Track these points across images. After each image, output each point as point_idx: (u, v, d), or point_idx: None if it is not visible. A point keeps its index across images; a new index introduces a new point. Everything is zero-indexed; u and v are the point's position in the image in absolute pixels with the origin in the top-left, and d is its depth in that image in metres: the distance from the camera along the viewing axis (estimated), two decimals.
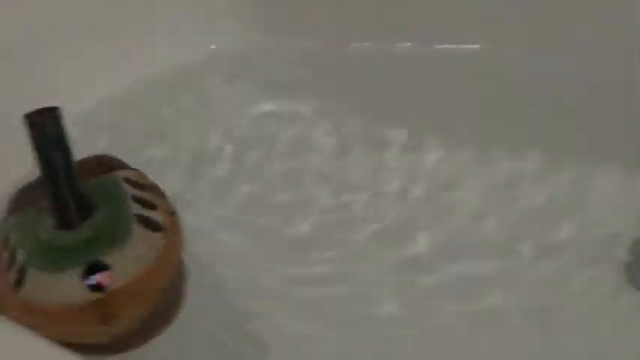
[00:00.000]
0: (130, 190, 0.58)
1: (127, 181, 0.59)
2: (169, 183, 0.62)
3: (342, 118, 0.73)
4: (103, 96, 0.70)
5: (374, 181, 0.71)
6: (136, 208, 0.57)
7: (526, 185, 0.70)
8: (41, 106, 0.53)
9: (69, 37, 0.69)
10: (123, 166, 0.62)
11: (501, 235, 0.68)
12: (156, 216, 0.57)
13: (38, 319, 0.52)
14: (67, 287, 0.52)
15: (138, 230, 0.55)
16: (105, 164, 0.62)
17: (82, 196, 0.55)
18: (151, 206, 0.58)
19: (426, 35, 0.72)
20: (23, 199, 0.60)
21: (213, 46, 0.74)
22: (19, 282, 0.53)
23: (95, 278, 0.53)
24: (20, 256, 0.54)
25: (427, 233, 0.68)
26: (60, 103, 0.54)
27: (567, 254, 0.66)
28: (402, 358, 0.62)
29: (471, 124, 0.71)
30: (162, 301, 0.54)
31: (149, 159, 0.71)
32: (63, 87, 0.67)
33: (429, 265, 0.67)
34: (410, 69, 0.72)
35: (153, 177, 0.61)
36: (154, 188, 0.60)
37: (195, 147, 0.72)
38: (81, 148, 0.55)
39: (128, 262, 0.54)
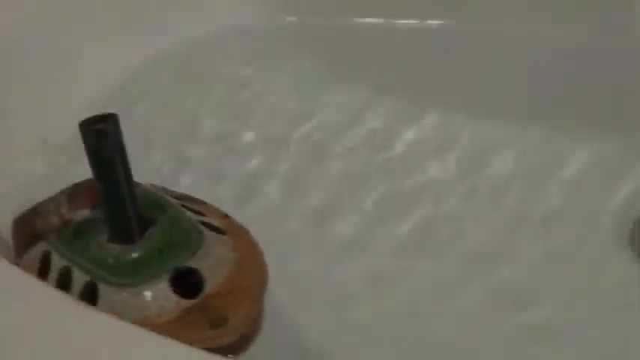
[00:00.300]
0: (174, 200, 0.56)
1: (162, 191, 0.57)
2: None
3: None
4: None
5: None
6: (191, 215, 0.54)
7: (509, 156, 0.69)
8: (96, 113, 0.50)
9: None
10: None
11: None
12: (212, 220, 0.55)
13: None
14: (159, 298, 0.50)
15: (208, 234, 0.53)
16: None
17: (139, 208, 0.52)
18: (200, 213, 0.56)
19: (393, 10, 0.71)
20: (30, 224, 0.56)
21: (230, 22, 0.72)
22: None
23: (186, 284, 0.50)
24: (80, 277, 0.51)
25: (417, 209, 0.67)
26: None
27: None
28: None
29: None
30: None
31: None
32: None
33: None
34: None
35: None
36: (186, 196, 0.58)
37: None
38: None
39: (213, 265, 0.51)
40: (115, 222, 0.52)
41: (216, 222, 0.55)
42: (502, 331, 0.61)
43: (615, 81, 0.66)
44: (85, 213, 0.55)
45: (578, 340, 0.59)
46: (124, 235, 0.52)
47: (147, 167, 0.62)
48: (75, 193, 0.57)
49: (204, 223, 0.54)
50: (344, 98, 0.71)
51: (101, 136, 0.50)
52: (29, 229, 0.56)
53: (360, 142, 0.71)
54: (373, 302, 0.63)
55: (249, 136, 0.70)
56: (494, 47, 0.69)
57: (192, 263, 0.51)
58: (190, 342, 0.46)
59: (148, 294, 0.50)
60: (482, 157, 0.69)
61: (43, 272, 0.53)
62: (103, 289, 0.50)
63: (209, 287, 0.50)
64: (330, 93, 0.71)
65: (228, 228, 0.55)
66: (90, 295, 0.50)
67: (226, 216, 0.56)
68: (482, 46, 0.69)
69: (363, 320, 0.61)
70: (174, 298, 0.50)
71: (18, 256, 0.55)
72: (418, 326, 0.61)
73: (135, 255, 0.51)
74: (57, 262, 0.52)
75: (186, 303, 0.50)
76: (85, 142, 0.50)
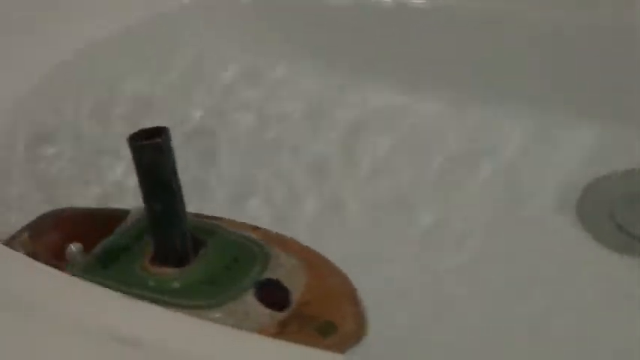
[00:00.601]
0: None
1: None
2: None
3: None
4: None
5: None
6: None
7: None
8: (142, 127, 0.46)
9: None
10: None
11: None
12: (249, 234, 0.51)
13: None
14: (251, 313, 0.46)
15: (268, 245, 0.50)
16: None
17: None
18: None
19: None
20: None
21: None
22: None
23: (271, 297, 0.46)
24: None
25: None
26: None
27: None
28: None
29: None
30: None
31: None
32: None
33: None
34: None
35: None
36: (201, 215, 0.54)
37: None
38: None
39: (288, 274, 0.48)
40: (170, 244, 0.47)
41: (253, 235, 0.51)
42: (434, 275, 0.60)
43: (556, 52, 0.68)
44: (77, 246, 0.51)
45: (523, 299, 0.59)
46: (177, 256, 0.48)
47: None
48: (38, 230, 0.52)
49: (244, 238, 0.51)
50: (307, 76, 0.69)
51: (157, 150, 0.46)
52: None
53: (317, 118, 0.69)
54: None
55: (197, 113, 0.68)
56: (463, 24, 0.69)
57: (270, 275, 0.47)
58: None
59: (240, 309, 0.46)
60: (426, 137, 0.69)
61: None
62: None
63: (295, 296, 0.47)
64: (295, 70, 0.70)
65: (267, 238, 0.51)
66: None
67: (257, 227, 0.53)
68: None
69: None
70: (265, 311, 0.46)
71: None
72: None
73: (201, 275, 0.47)
74: None
75: (280, 315, 0.46)
76: (137, 158, 0.46)
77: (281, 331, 0.46)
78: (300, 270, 0.48)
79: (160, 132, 0.46)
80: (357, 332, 0.47)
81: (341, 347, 0.45)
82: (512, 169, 0.67)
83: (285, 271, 0.48)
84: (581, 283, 0.58)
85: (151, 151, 0.45)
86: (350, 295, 0.48)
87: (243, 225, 0.53)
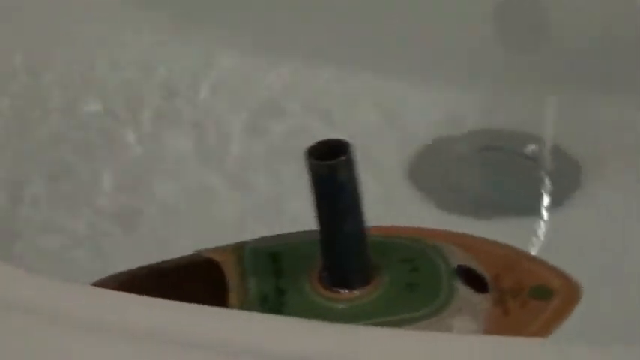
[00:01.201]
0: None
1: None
2: None
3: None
4: None
5: None
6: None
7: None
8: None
9: None
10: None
11: None
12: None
13: None
14: (471, 301, 0.45)
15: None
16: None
17: None
18: None
19: None
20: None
21: None
22: None
23: (474, 281, 0.46)
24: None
25: None
26: None
27: None
28: None
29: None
30: None
31: None
32: None
33: None
34: None
35: None
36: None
37: None
38: None
39: (464, 257, 0.47)
40: (358, 264, 0.45)
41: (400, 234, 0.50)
42: None
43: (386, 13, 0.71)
44: None
45: None
46: (357, 278, 0.45)
47: None
48: None
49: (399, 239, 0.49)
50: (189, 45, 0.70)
51: (350, 168, 0.43)
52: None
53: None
54: None
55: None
56: None
57: (454, 262, 0.47)
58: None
59: (463, 302, 0.45)
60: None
61: None
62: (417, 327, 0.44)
63: (489, 277, 0.47)
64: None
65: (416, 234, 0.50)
66: None
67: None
68: None
69: None
70: (479, 295, 0.46)
71: None
72: None
73: (392, 289, 0.45)
74: None
75: (490, 296, 0.46)
76: (321, 176, 0.43)
77: (506, 310, 0.46)
78: (465, 252, 0.49)
79: (341, 146, 0.44)
80: (569, 284, 0.47)
81: (570, 303, 0.46)
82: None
83: (458, 256, 0.48)
84: None
85: (344, 168, 0.43)
86: (528, 256, 0.49)
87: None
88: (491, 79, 0.67)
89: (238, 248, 0.48)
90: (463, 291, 0.46)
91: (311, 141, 0.43)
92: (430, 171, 0.67)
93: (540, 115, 0.67)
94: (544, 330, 0.45)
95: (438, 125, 0.69)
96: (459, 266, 0.47)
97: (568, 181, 0.66)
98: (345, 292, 0.45)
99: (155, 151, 0.68)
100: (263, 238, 0.49)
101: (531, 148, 0.67)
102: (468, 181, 0.67)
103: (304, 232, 0.49)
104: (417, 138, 0.68)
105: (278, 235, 0.50)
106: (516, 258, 0.49)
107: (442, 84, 0.68)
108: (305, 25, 0.70)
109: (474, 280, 0.46)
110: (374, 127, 0.69)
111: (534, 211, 0.64)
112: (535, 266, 0.48)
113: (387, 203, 0.64)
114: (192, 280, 0.48)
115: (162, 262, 0.50)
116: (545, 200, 0.65)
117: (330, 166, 0.43)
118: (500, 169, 0.68)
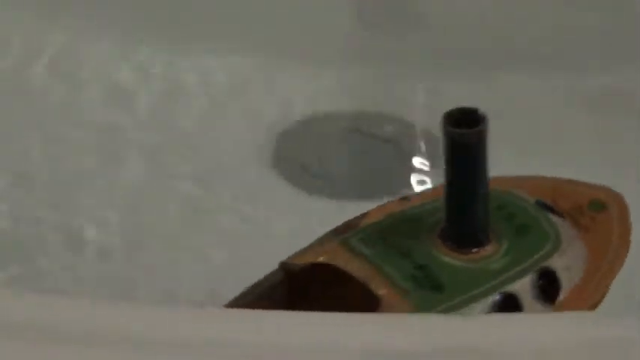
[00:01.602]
0: None
1: None
2: None
3: None
4: None
5: None
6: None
7: None
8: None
9: None
10: None
11: None
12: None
13: None
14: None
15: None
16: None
17: None
18: None
19: None
20: None
21: None
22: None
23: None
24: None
25: None
26: None
27: None
28: None
29: None
30: None
31: None
32: None
33: None
34: None
35: None
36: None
37: None
38: None
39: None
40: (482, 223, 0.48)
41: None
42: None
43: None
44: None
45: None
46: (484, 236, 0.48)
47: None
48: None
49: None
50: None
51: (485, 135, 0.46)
52: None
53: None
54: None
55: None
56: None
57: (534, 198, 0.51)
58: None
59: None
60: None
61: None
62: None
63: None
64: None
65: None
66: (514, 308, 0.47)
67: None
68: None
69: None
70: (565, 222, 0.50)
71: None
72: None
73: (511, 237, 0.48)
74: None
75: (567, 221, 0.50)
76: (463, 143, 0.46)
77: (585, 228, 0.50)
78: (524, 190, 0.51)
79: (477, 116, 0.46)
80: (611, 193, 0.52)
81: (625, 209, 0.51)
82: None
83: (525, 194, 0.51)
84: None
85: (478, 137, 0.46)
86: (563, 179, 0.53)
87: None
88: (349, 61, 0.70)
89: (344, 243, 0.48)
90: (556, 220, 0.50)
91: None
92: (292, 153, 0.68)
93: (405, 97, 0.70)
94: (625, 234, 0.51)
95: (300, 106, 0.69)
96: (536, 202, 0.51)
97: (433, 161, 0.68)
98: (479, 251, 0.48)
99: None
100: (342, 228, 0.50)
101: (391, 129, 0.70)
102: (332, 163, 0.69)
103: (363, 214, 0.51)
104: (278, 121, 0.69)
105: (348, 221, 0.50)
106: (556, 183, 0.53)
107: (303, 65, 0.69)
108: None
109: (552, 210, 0.51)
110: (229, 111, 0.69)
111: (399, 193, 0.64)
112: (575, 186, 0.53)
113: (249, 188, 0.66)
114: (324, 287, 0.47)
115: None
116: (413, 180, 0.68)
117: (472, 134, 0.46)
118: (364, 150, 0.70)
